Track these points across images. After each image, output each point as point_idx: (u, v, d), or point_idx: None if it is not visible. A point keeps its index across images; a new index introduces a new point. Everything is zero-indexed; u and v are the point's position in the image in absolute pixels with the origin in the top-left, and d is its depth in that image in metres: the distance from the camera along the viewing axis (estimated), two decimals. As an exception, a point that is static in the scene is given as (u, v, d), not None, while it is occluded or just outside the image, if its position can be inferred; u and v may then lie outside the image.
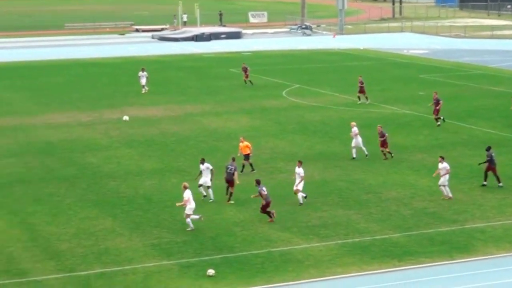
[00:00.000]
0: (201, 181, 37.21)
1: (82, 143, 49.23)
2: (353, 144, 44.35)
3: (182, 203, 33.18)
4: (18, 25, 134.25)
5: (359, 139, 44.30)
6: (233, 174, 36.79)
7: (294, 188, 36.51)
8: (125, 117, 37.51)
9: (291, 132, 51.67)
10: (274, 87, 69.89)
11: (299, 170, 36.40)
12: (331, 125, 53.64)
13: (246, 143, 41.86)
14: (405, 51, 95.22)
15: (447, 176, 36.70)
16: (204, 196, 37.19)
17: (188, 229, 33.03)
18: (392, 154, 44.01)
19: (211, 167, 37.17)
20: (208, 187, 37.23)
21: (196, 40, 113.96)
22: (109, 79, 77.02)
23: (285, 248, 31.13)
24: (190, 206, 33.02)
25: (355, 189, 38.79)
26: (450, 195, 36.73)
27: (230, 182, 36.98)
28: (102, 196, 38.06)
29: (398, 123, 53.48)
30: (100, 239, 32.20)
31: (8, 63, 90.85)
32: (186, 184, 33.70)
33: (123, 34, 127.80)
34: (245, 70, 71.18)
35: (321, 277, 28.53)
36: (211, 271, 28.69)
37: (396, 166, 42.73)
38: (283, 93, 66.72)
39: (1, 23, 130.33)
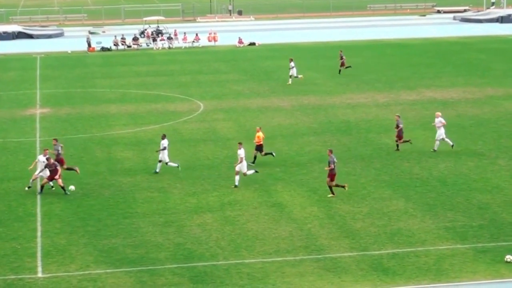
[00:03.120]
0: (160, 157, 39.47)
1: (378, 124, 49.77)
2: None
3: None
4: (323, 5, 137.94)
5: (442, 130, 42.12)
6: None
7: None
8: (71, 187, 36.95)
9: None
10: None
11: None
12: None
13: (260, 133, 40.71)
14: None
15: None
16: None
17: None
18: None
19: (166, 144, 39.18)
20: (166, 163, 39.34)
21: (502, 22, 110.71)
22: (406, 61, 77.01)
23: None
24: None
25: None
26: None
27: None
28: (396, 177, 38.27)
29: None
30: (393, 219, 32.46)
31: (312, 43, 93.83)
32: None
33: (424, 16, 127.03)
34: (341, 57, 69.74)
35: None
36: (509, 257, 27.92)
37: None
38: None
39: (307, 4, 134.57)
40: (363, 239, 30.36)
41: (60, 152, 38.76)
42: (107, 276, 27.37)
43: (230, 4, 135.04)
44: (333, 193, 35.34)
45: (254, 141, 40.83)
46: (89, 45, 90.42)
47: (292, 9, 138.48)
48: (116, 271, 27.78)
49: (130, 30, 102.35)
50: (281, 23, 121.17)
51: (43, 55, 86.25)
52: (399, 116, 43.09)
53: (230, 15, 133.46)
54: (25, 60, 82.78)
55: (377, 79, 66.33)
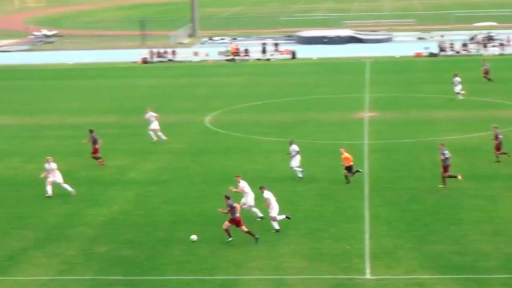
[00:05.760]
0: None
1: None
2: None
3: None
4: None
5: None
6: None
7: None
8: (193, 237, 32.33)
9: None
10: None
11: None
12: None
13: (346, 154, 39.20)
14: None
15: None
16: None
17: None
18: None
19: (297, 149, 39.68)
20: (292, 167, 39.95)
21: None
22: None
23: None
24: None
25: None
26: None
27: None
28: None
29: None
30: None
31: None
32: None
33: None
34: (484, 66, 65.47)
35: None
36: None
37: None
38: None
39: None
40: None
41: None
42: (433, 282, 27.33)
43: None
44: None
45: (343, 163, 39.62)
46: (441, 49, 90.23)
47: None
48: (442, 277, 27.66)
49: (458, 36, 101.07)
50: None
51: (372, 60, 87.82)
52: (496, 127, 42.65)
53: None
54: (355, 64, 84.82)
55: None
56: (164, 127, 53.95)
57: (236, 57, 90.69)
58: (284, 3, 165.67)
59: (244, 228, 31.44)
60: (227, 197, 31.69)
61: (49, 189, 38.83)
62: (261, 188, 33.26)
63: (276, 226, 32.72)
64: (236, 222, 31.36)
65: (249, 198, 34.11)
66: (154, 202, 37.73)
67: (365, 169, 42.11)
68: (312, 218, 34.55)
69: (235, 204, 31.53)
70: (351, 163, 39.33)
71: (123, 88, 73.41)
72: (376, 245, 30.99)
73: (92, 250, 31.54)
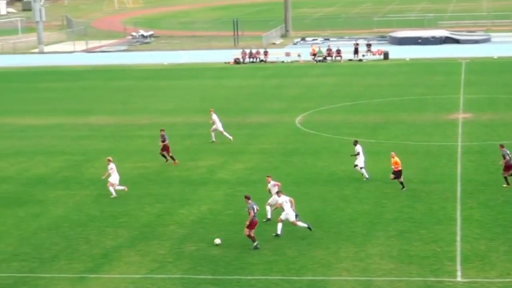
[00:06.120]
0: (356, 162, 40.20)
1: None
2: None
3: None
4: None
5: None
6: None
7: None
8: (217, 240, 31.15)
9: None
10: None
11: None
12: None
13: (396, 159, 38.02)
14: None
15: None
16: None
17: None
18: None
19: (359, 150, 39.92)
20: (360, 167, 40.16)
21: None
22: None
23: None
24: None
25: None
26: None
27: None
28: None
29: None
30: None
31: None
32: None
33: None
34: None
35: None
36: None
37: None
38: None
39: None
40: None
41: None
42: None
43: None
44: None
45: (392, 166, 38.26)
46: None
47: None
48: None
49: None
50: None
51: (468, 60, 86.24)
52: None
53: None
54: (450, 65, 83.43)
55: None
56: (254, 127, 54.28)
57: (328, 58, 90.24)
58: (377, 3, 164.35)
59: (251, 233, 31.25)
60: (247, 198, 31.84)
61: (112, 191, 39.65)
62: (277, 193, 33.12)
63: (279, 230, 32.40)
64: (252, 224, 31.22)
65: (273, 200, 34.22)
66: (242, 202, 37.73)
67: (458, 171, 41.40)
68: (401, 220, 34.13)
69: (255, 206, 31.54)
70: (400, 168, 38.30)
71: (215, 88, 74.02)
72: (468, 248, 30.41)
73: (182, 249, 31.86)
